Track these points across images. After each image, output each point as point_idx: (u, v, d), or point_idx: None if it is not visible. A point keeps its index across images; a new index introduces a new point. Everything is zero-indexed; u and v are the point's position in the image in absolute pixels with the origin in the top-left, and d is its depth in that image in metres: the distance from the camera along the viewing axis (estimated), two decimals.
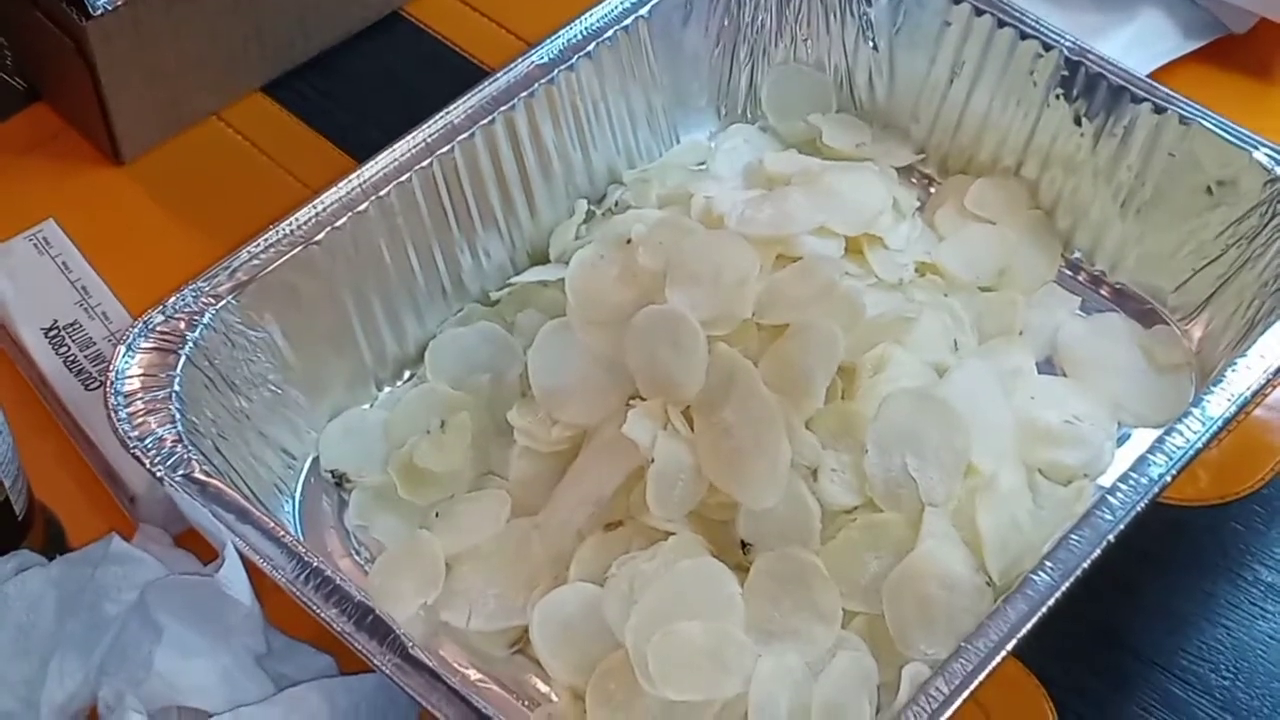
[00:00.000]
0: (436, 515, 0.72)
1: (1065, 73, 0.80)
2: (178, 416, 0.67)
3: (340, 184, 0.74)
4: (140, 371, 0.67)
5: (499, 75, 0.78)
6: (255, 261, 0.71)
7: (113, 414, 0.66)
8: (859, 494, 0.69)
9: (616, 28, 0.81)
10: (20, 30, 0.89)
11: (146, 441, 0.66)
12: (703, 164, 0.85)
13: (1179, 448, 0.66)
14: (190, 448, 0.66)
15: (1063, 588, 0.61)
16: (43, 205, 0.83)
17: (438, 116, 0.76)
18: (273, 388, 0.72)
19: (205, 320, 0.69)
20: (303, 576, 0.62)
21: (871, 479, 0.69)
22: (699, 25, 0.85)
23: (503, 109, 0.77)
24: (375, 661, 0.60)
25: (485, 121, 0.77)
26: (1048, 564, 0.62)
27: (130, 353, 0.68)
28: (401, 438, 0.74)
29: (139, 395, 0.67)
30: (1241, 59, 0.94)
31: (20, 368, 0.78)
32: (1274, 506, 0.76)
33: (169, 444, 0.66)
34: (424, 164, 0.75)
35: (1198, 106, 0.78)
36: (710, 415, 0.68)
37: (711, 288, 0.70)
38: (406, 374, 0.78)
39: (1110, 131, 0.80)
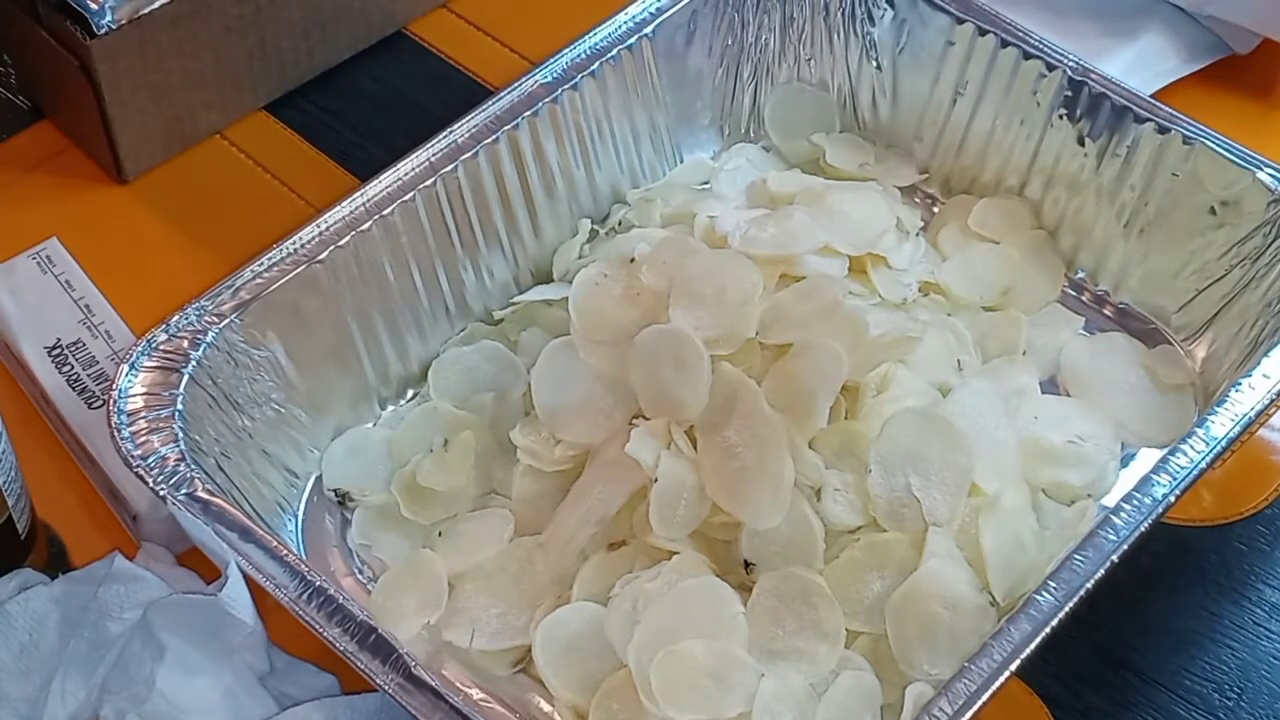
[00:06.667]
0: (439, 534, 0.72)
1: (1069, 93, 0.80)
2: (180, 435, 0.67)
3: (344, 203, 0.74)
4: (143, 390, 0.67)
5: (503, 94, 0.78)
6: (258, 280, 0.71)
7: (115, 432, 0.66)
8: (862, 513, 0.69)
9: (620, 47, 0.81)
10: (24, 49, 0.89)
11: (149, 460, 0.66)
12: (706, 183, 0.85)
13: (1183, 468, 0.66)
14: (193, 466, 0.66)
15: (1066, 608, 0.61)
16: (46, 223, 0.84)
17: (442, 135, 0.76)
18: (276, 406, 0.72)
19: (208, 339, 0.69)
20: (305, 595, 0.62)
21: (875, 498, 0.68)
22: (703, 45, 0.85)
23: (507, 128, 0.77)
24: (378, 681, 0.60)
25: (489, 140, 0.77)
26: (1051, 584, 0.62)
27: (133, 371, 0.68)
28: (404, 456, 0.74)
29: (142, 414, 0.67)
30: (1245, 79, 0.94)
31: (23, 386, 0.78)
32: (1278, 526, 0.76)
33: (172, 462, 0.66)
34: (428, 183, 0.75)
35: (1201, 127, 0.78)
36: (713, 435, 0.68)
37: (715, 307, 0.70)
38: (410, 393, 0.78)
39: (1114, 151, 0.80)
